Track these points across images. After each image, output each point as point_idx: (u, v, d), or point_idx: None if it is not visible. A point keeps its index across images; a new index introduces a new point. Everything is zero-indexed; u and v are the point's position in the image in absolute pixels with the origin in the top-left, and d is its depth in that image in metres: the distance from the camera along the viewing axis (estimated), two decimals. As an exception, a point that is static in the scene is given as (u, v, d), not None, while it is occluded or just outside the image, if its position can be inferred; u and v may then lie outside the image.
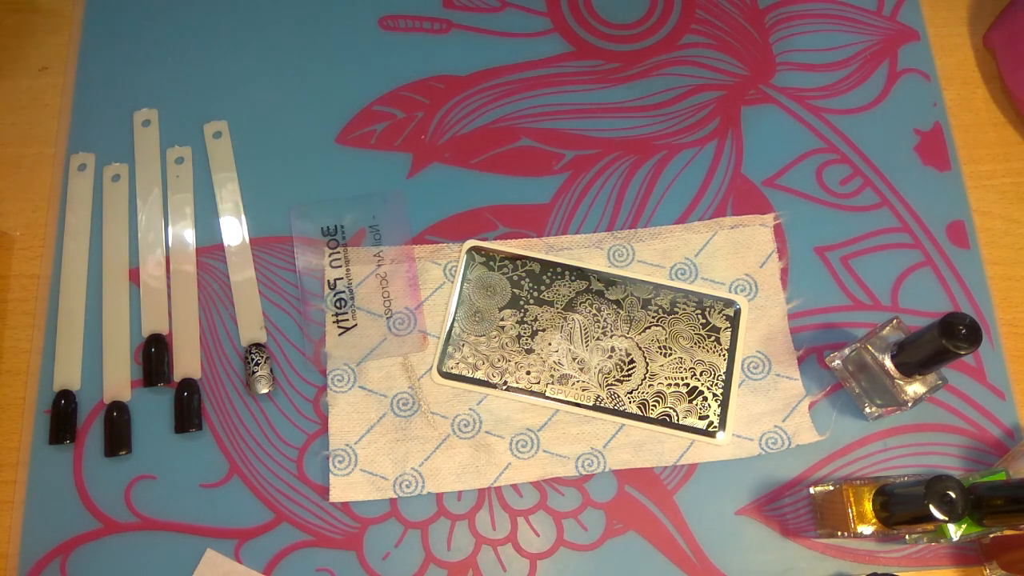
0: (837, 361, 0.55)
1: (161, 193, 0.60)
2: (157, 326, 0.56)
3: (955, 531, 0.47)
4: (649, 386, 0.55)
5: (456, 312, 0.56)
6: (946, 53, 0.64)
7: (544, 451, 0.54)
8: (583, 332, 0.56)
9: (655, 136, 0.61)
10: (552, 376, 0.55)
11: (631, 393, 0.55)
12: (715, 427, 0.54)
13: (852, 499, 0.48)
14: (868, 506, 0.48)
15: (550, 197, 0.60)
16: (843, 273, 0.58)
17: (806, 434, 0.54)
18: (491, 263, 0.57)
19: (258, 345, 0.56)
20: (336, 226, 0.59)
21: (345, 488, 0.53)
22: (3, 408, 0.56)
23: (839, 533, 0.49)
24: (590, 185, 0.60)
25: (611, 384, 0.55)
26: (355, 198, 0.59)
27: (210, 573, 0.52)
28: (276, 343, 0.56)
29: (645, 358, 0.55)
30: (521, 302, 0.57)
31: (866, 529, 0.47)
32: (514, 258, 0.57)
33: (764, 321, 0.57)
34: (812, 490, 0.52)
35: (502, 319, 0.56)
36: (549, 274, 0.57)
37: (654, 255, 0.58)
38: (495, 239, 0.58)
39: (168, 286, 0.57)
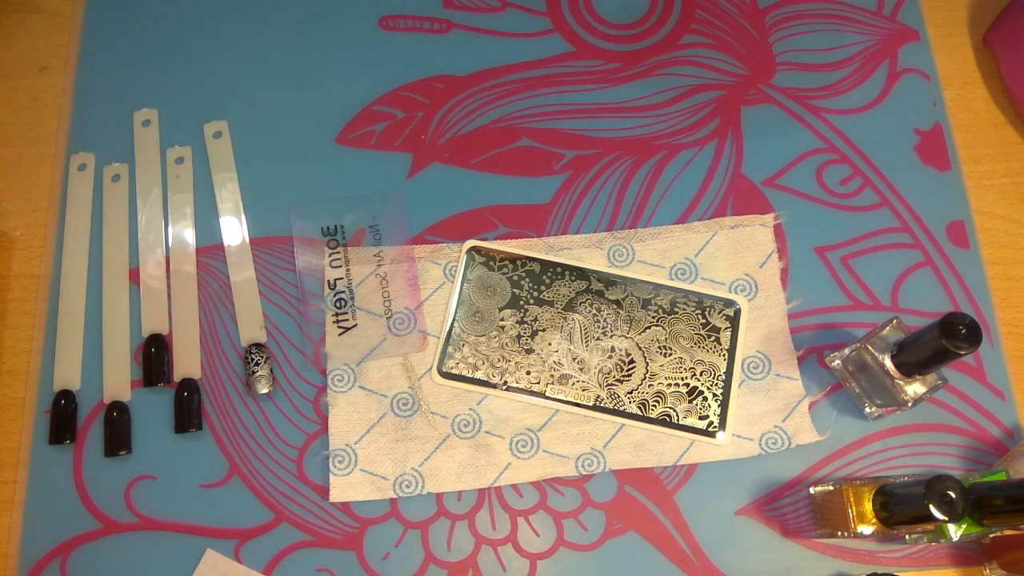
0: (837, 361, 0.55)
1: (161, 193, 0.60)
2: (157, 326, 0.56)
3: (955, 531, 0.47)
4: (649, 386, 0.55)
5: (456, 312, 0.56)
6: (946, 53, 0.64)
7: (544, 451, 0.54)
8: (583, 332, 0.56)
9: (655, 136, 0.61)
10: (552, 376, 0.55)
11: (631, 393, 0.55)
12: (715, 427, 0.54)
13: (852, 499, 0.48)
14: (868, 506, 0.48)
15: (550, 197, 0.60)
16: (843, 273, 0.58)
17: (806, 434, 0.54)
18: (491, 263, 0.57)
19: (258, 345, 0.56)
20: (336, 226, 0.59)
21: (345, 488, 0.53)
22: (3, 408, 0.56)
23: (839, 533, 0.49)
24: (590, 185, 0.60)
25: (611, 384, 0.55)
26: (355, 198, 0.59)
27: (210, 573, 0.52)
28: (276, 343, 0.56)
29: (645, 358, 0.55)
30: (521, 302, 0.57)
31: (866, 529, 0.47)
32: (514, 258, 0.57)
33: (764, 321, 0.57)
34: (812, 490, 0.52)
35: (502, 319, 0.56)
36: (549, 274, 0.57)
37: (654, 255, 0.58)
38: (495, 239, 0.58)
39: (168, 286, 0.57)
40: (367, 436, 0.54)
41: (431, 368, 0.55)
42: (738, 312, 0.56)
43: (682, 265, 0.58)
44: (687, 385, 0.55)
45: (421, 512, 0.53)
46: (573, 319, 0.56)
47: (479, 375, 0.55)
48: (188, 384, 0.55)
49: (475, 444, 0.54)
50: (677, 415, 0.54)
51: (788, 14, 0.65)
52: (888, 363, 0.50)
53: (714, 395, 0.55)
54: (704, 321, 0.56)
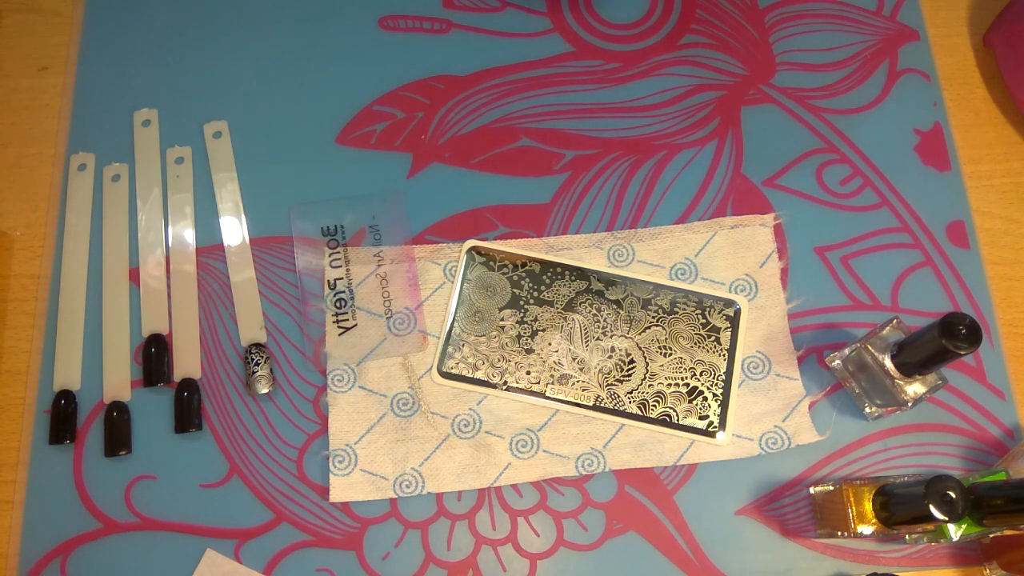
0: (837, 361, 0.55)
1: (161, 193, 0.60)
2: (157, 326, 0.56)
3: (955, 531, 0.47)
4: (649, 386, 0.55)
5: (456, 312, 0.56)
6: (946, 53, 0.64)
7: (544, 451, 0.54)
8: (583, 332, 0.56)
9: (655, 136, 0.61)
10: (552, 376, 0.55)
11: (631, 393, 0.55)
12: (715, 427, 0.54)
13: (852, 499, 0.48)
14: (868, 506, 0.48)
15: (550, 197, 0.60)
16: (843, 273, 0.58)
17: (806, 434, 0.54)
18: (491, 263, 0.57)
19: (258, 345, 0.56)
20: (336, 226, 0.59)
21: (345, 488, 0.53)
22: (3, 408, 0.56)
23: (839, 533, 0.49)
24: (590, 185, 0.60)
25: (611, 384, 0.55)
26: (355, 198, 0.59)
27: (210, 573, 0.52)
28: (276, 343, 0.56)
29: (645, 358, 0.55)
30: (521, 302, 0.57)
31: (866, 529, 0.47)
32: (514, 258, 0.57)
33: (764, 321, 0.57)
34: (812, 490, 0.52)
35: (502, 319, 0.56)
36: (549, 274, 0.57)
37: (654, 255, 0.58)
38: (495, 239, 0.58)
39: (168, 286, 0.57)
40: (367, 436, 0.54)
41: (431, 368, 0.55)
42: (738, 312, 0.56)
43: (682, 265, 0.58)
44: (687, 385, 0.55)
45: (421, 512, 0.53)
46: (573, 319, 0.56)
47: (479, 375, 0.55)
48: (188, 384, 0.55)
49: (475, 444, 0.54)
50: (677, 415, 0.54)
51: (788, 14, 0.65)
52: (888, 363, 0.50)
53: (714, 395, 0.55)
54: (704, 321, 0.56)
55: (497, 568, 0.52)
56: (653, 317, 0.56)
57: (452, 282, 0.57)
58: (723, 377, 0.55)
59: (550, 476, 0.53)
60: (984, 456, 0.55)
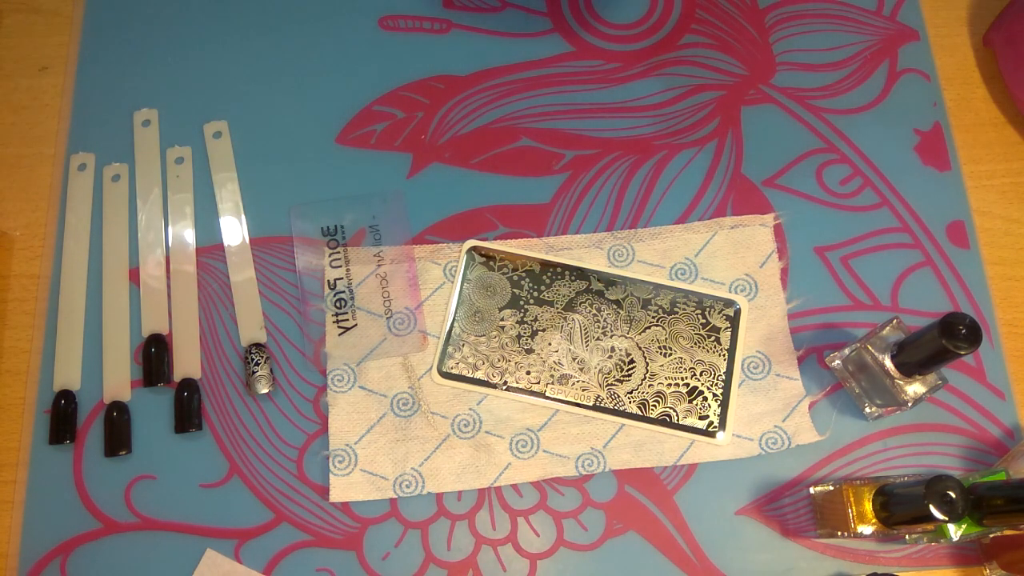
0: (837, 361, 0.55)
1: (161, 193, 0.60)
2: (157, 326, 0.56)
3: (955, 531, 0.47)
4: (649, 386, 0.55)
5: (456, 312, 0.56)
6: (946, 53, 0.64)
7: (544, 451, 0.54)
8: (583, 332, 0.56)
9: (655, 136, 0.61)
10: (552, 376, 0.55)
11: (631, 393, 0.55)
12: (715, 427, 0.54)
13: (852, 499, 0.48)
14: (868, 506, 0.48)
15: (550, 197, 0.60)
16: (843, 273, 0.58)
17: (806, 434, 0.54)
18: (491, 263, 0.57)
19: (258, 345, 0.56)
20: (336, 226, 0.59)
21: (345, 488, 0.53)
22: (3, 408, 0.56)
23: (839, 533, 0.49)
24: (590, 185, 0.60)
25: (611, 384, 0.55)
26: (355, 198, 0.59)
27: (210, 573, 0.52)
28: (276, 343, 0.56)
29: (645, 358, 0.55)
30: (521, 302, 0.57)
31: (866, 529, 0.47)
32: (514, 258, 0.57)
33: (764, 321, 0.57)
34: (812, 490, 0.52)
35: (502, 319, 0.56)
36: (549, 274, 0.57)
37: (654, 255, 0.58)
38: (495, 239, 0.58)
39: (168, 286, 0.57)
40: (367, 436, 0.54)
41: (431, 368, 0.55)
42: (738, 312, 0.56)
43: (682, 265, 0.58)
44: (687, 385, 0.55)
45: (421, 512, 0.53)
46: (573, 319, 0.56)
47: (479, 375, 0.55)
48: (188, 384, 0.55)
49: (475, 444, 0.54)
50: (677, 415, 0.54)
51: (788, 14, 0.65)
52: (888, 363, 0.50)
53: (714, 395, 0.55)
54: (704, 321, 0.56)
55: (497, 568, 0.52)
56: (653, 317, 0.56)
57: (452, 282, 0.57)
58: (723, 377, 0.55)
59: (550, 476, 0.53)
60: (984, 456, 0.55)
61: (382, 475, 0.53)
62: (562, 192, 0.60)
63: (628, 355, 0.55)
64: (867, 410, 0.54)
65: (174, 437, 0.54)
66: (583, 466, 0.54)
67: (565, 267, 0.57)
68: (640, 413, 0.54)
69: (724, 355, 0.56)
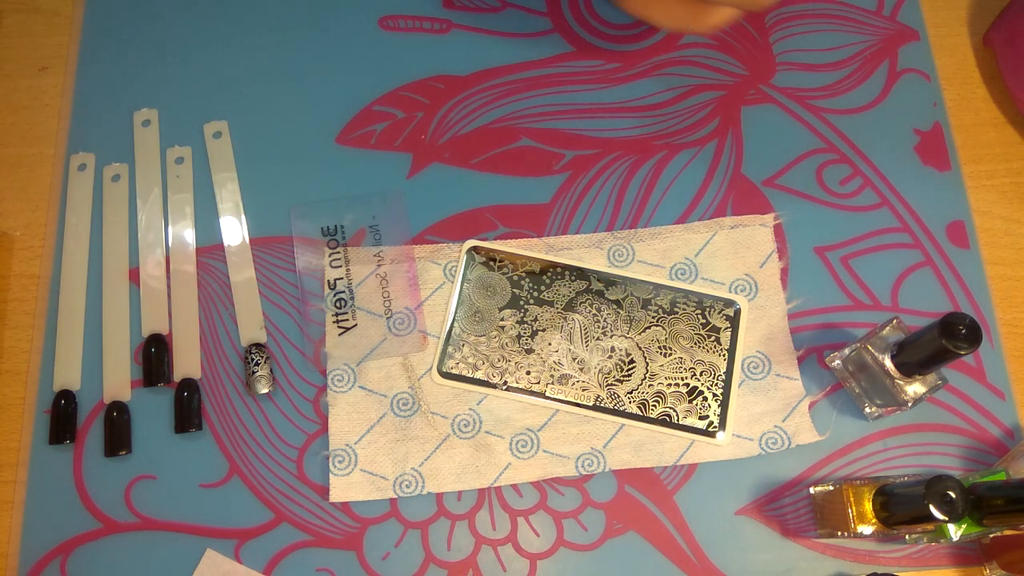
0: (837, 361, 0.55)
1: (161, 193, 0.60)
2: (157, 326, 0.56)
3: (955, 531, 0.47)
4: (649, 386, 0.55)
5: (456, 312, 0.56)
6: (946, 53, 0.64)
7: (544, 451, 0.54)
8: (583, 332, 0.56)
9: (655, 136, 0.61)
10: (552, 376, 0.55)
11: (631, 393, 0.55)
12: (715, 427, 0.54)
13: (852, 499, 0.48)
14: (868, 506, 0.48)
15: (550, 197, 0.60)
16: (843, 273, 0.58)
17: (806, 434, 0.54)
18: (491, 263, 0.57)
19: (258, 345, 0.56)
20: (336, 226, 0.59)
21: (345, 488, 0.53)
22: (3, 408, 0.56)
23: (839, 533, 0.49)
24: (590, 185, 0.60)
25: (611, 384, 0.55)
26: (355, 198, 0.59)
27: (210, 573, 0.52)
28: (276, 343, 0.56)
29: (645, 358, 0.55)
30: (521, 302, 0.57)
31: (866, 529, 0.47)
32: (514, 258, 0.57)
33: (764, 321, 0.57)
34: (812, 490, 0.52)
35: (502, 319, 0.56)
36: (549, 274, 0.57)
37: (654, 255, 0.58)
38: (495, 239, 0.58)
39: (168, 286, 0.57)
40: (367, 436, 0.54)
41: (431, 368, 0.55)
42: (738, 312, 0.56)
43: (682, 265, 0.58)
44: (687, 385, 0.55)
45: (421, 512, 0.53)
46: (573, 319, 0.56)
47: (479, 375, 0.55)
48: (188, 384, 0.55)
49: (475, 444, 0.54)
50: (677, 415, 0.54)
51: (788, 14, 0.65)
52: (888, 363, 0.50)
53: (714, 395, 0.55)
54: (704, 321, 0.56)
55: (497, 568, 0.52)
56: (653, 317, 0.56)
57: (452, 282, 0.57)
58: (723, 377, 0.55)
59: (550, 476, 0.53)
60: (984, 456, 0.55)
61: (382, 475, 0.53)
62: (562, 192, 0.60)
63: (628, 355, 0.55)
64: (867, 410, 0.54)
65: (174, 437, 0.54)
66: (583, 466, 0.54)
67: (565, 267, 0.57)
68: (640, 413, 0.54)
69: (724, 355, 0.56)
